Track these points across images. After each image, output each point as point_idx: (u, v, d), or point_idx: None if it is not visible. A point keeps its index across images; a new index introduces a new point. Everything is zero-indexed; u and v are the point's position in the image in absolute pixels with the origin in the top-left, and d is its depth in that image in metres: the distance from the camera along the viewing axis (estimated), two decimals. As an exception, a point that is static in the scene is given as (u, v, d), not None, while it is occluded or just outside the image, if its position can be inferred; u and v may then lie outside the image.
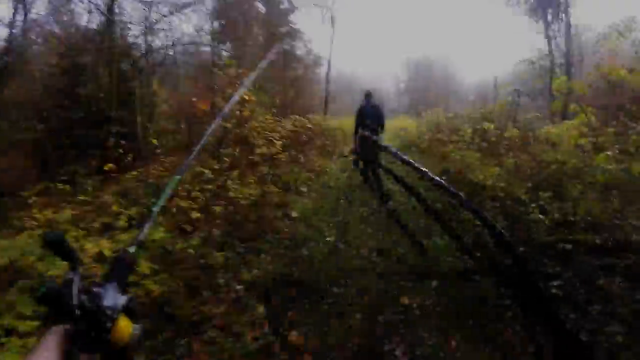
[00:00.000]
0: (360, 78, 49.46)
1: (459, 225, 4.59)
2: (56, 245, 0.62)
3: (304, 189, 7.03)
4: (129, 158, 6.93)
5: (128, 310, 0.63)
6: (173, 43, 11.27)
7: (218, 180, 5.90)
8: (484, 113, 9.69)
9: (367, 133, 6.51)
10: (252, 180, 6.38)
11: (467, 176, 5.74)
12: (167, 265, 3.43)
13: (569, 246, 3.62)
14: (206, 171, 5.94)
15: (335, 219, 5.33)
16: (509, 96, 13.95)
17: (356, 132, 6.85)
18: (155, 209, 0.87)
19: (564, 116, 14.25)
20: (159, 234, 3.75)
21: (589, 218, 3.99)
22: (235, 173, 6.34)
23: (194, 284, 3.26)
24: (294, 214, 5.50)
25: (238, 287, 3.34)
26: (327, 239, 4.61)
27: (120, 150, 6.88)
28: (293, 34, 20.47)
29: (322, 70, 22.02)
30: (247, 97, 8.31)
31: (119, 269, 0.71)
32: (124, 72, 9.09)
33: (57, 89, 8.38)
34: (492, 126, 7.19)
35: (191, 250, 3.69)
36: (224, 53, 16.27)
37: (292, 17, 19.61)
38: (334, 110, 24.92)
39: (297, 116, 11.99)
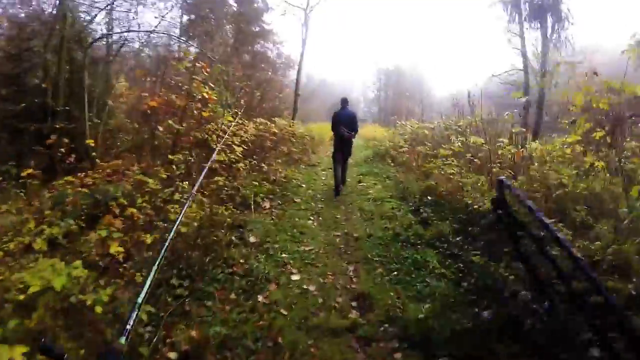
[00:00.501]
0: (330, 85, 48.99)
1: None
2: (47, 351, 0.74)
3: (266, 205, 5.98)
4: (70, 160, 5.71)
5: None
6: (131, 30, 9.91)
7: (162, 193, 4.77)
8: (464, 124, 9.02)
9: (345, 131, 6.96)
10: (206, 193, 5.27)
11: (462, 199, 4.87)
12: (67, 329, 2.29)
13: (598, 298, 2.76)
14: (150, 181, 4.78)
15: (302, 248, 4.29)
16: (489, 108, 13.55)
17: (335, 132, 7.26)
18: (139, 299, 0.92)
19: (536, 132, 13.99)
20: (61, 280, 2.54)
21: (618, 260, 3.18)
22: (185, 184, 5.20)
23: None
24: (252, 238, 4.43)
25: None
26: (293, 277, 3.57)
27: (62, 150, 5.81)
28: (265, 34, 19.72)
29: (292, 74, 21.20)
30: (207, 95, 7.20)
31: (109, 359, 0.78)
32: (76, 61, 7.78)
33: (-1, 76, 7.24)
34: (480, 140, 6.42)
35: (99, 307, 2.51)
36: (192, 49, 15.17)
37: (265, 17, 18.91)
38: (303, 115, 24.19)
39: (262, 119, 10.92)
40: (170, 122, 5.87)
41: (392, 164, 9.30)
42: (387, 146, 11.18)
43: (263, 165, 7.86)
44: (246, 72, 15.74)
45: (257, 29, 19.27)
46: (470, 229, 4.27)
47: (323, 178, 8.51)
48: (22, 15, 8.74)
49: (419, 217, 5.13)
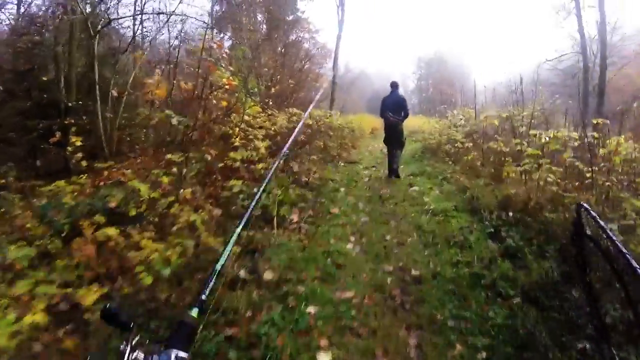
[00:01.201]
0: (369, 76, 47.39)
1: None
2: (112, 318, 0.67)
3: (293, 217, 4.72)
4: (77, 158, 4.77)
5: None
6: (143, 12, 8.92)
7: (158, 205, 3.64)
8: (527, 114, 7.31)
9: (391, 116, 6.89)
10: (208, 205, 4.08)
11: (566, 222, 3.34)
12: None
13: None
14: (142, 188, 3.62)
15: (338, 294, 2.95)
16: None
17: (383, 117, 7.23)
18: (218, 266, 0.86)
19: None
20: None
21: None
22: (187, 192, 4.05)
23: None
24: (268, 274, 3.16)
25: None
26: (320, 358, 2.25)
27: (69, 149, 4.95)
28: (299, 22, 18.78)
29: (329, 64, 20.17)
30: (226, 82, 5.99)
31: (181, 334, 0.71)
32: (91, 52, 6.99)
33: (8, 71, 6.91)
34: (574, 135, 4.83)
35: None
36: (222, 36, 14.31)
37: (299, 5, 18.43)
38: (341, 106, 23.04)
39: (294, 110, 9.65)
40: (167, 112, 4.67)
41: (449, 162, 7.74)
42: (439, 140, 9.58)
43: (293, 163, 6.57)
44: (280, 61, 14.76)
45: (291, 17, 18.56)
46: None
47: (365, 179, 7.11)
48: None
49: (501, 245, 3.64)
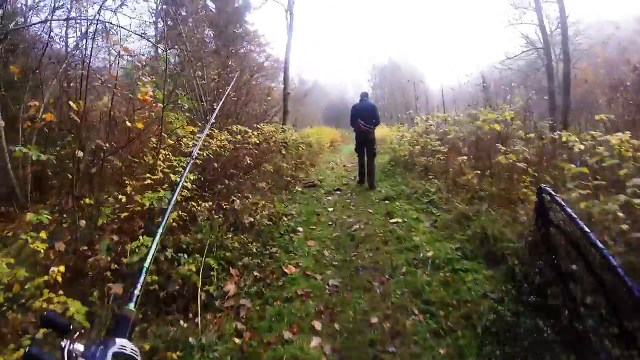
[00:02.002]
0: (323, 87, 46.46)
1: None
2: (51, 324, 0.70)
3: (228, 288, 3.12)
4: None
5: (123, 357, 0.64)
6: (52, 19, 6.95)
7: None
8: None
9: (362, 124, 6.77)
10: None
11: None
12: None
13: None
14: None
15: None
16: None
17: (353, 127, 7.09)
18: (146, 264, 0.88)
19: (565, 120, 11.13)
20: None
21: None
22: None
23: None
24: None
25: None
26: None
27: None
28: (248, 35, 18.12)
29: (281, 76, 19.10)
30: (142, 98, 4.35)
31: (120, 325, 0.73)
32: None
33: None
34: (596, 134, 3.54)
35: None
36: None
37: (248, 17, 17.74)
38: (296, 120, 21.68)
39: (239, 127, 8.01)
40: (18, 148, 2.99)
41: (429, 178, 6.32)
42: (410, 150, 8.20)
43: (232, 199, 4.93)
44: (224, 75, 13.28)
45: (240, 29, 17.63)
46: None
47: (330, 209, 5.54)
48: None
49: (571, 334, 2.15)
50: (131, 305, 0.79)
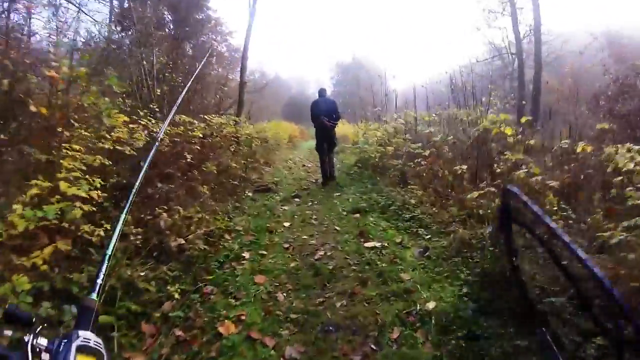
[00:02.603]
0: (285, 81, 45.23)
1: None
2: (12, 317, 0.65)
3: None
4: None
5: (87, 350, 0.62)
6: None
7: None
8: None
9: (325, 120, 6.56)
10: None
11: None
12: None
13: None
14: None
15: None
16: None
17: (314, 123, 6.80)
18: (108, 251, 0.85)
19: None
20: None
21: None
22: None
23: None
24: None
25: None
26: None
27: None
28: (209, 21, 16.79)
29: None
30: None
31: (84, 316, 0.71)
32: None
33: None
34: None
35: None
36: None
37: (210, 3, 16.49)
38: (255, 114, 20.31)
39: (182, 117, 6.67)
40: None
41: (406, 185, 5.32)
42: (382, 151, 7.17)
43: (160, 213, 3.67)
44: (181, 61, 11.95)
45: (201, 15, 16.42)
46: None
47: (286, 224, 4.36)
48: None
49: None
50: (93, 295, 0.75)
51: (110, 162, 4.03)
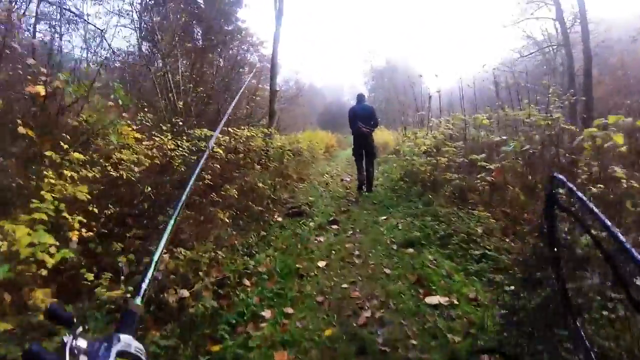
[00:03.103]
0: (319, 90, 44.89)
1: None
2: (54, 315, 0.64)
3: None
4: None
5: (127, 355, 0.61)
6: None
7: None
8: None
9: (362, 126, 6.45)
10: None
11: None
12: None
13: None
14: None
15: None
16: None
17: (353, 128, 6.66)
18: (156, 256, 0.81)
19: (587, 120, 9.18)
20: None
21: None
22: None
23: None
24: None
25: None
26: None
27: None
28: (239, 32, 16.82)
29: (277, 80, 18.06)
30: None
31: (126, 321, 0.69)
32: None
33: None
34: None
35: None
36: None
37: (239, 14, 16.80)
38: (289, 125, 19.76)
39: (203, 130, 6.01)
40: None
41: (467, 205, 4.32)
42: (428, 162, 6.15)
43: (161, 257, 2.84)
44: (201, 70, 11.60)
45: (230, 27, 16.56)
46: None
47: (321, 263, 3.46)
48: None
49: None
50: (138, 300, 0.72)
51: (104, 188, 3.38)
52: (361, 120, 6.43)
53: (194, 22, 14.55)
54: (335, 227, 4.55)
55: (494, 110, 7.82)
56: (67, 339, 0.59)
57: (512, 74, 15.58)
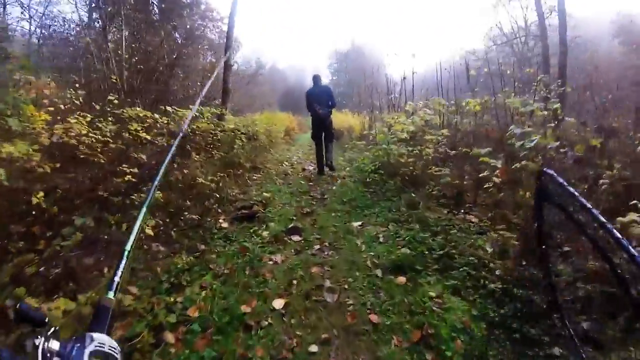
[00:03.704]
0: (281, 71, 43.43)
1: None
2: (24, 317, 0.61)
3: None
4: None
5: (101, 355, 0.58)
6: None
7: None
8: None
9: (319, 108, 6.31)
10: None
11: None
12: None
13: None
14: None
15: None
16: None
17: (311, 111, 6.48)
18: (127, 247, 0.79)
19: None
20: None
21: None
22: None
23: None
24: None
25: None
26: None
27: None
28: (197, 5, 15.80)
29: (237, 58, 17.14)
30: None
31: (99, 317, 0.67)
32: None
33: None
34: None
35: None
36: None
37: None
38: (247, 105, 18.51)
39: (136, 109, 4.81)
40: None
41: (466, 209, 3.43)
42: (408, 153, 5.22)
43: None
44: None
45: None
46: None
47: (277, 304, 2.40)
48: None
49: None
50: (110, 294, 0.71)
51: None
52: (319, 102, 6.29)
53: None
54: (296, 238, 3.49)
55: (475, 96, 7.11)
56: (39, 341, 0.55)
57: (486, 62, 15.15)
